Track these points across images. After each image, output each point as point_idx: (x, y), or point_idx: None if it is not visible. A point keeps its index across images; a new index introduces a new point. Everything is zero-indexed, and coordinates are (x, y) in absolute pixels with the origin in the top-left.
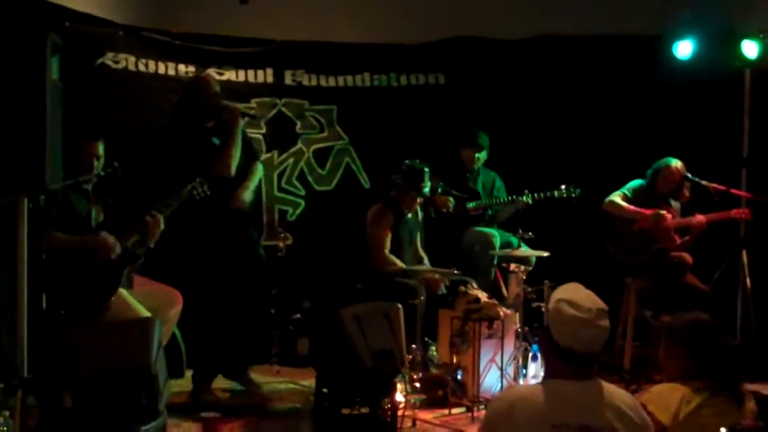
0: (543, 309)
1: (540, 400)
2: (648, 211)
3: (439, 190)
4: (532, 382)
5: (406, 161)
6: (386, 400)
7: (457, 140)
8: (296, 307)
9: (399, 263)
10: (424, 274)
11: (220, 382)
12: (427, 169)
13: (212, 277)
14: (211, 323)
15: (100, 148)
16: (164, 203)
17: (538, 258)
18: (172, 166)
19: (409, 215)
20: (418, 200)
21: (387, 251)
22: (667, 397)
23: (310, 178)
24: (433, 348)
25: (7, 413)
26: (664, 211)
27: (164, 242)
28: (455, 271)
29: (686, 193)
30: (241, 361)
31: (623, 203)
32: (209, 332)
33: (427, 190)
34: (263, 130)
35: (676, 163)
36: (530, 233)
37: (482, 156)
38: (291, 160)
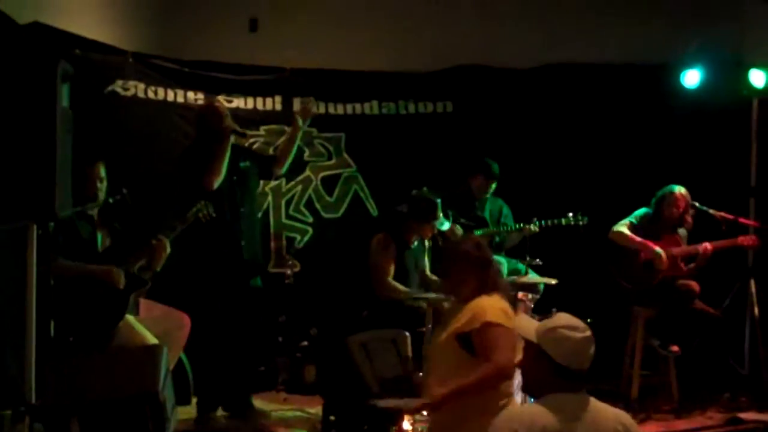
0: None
1: (547, 416)
2: (653, 245)
3: (449, 218)
4: None
5: (414, 191)
6: (394, 428)
7: (468, 168)
8: (303, 334)
9: (403, 288)
10: (429, 299)
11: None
12: (439, 201)
13: (209, 304)
14: (214, 350)
15: (102, 170)
16: (169, 226)
17: (546, 285)
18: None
19: (415, 243)
20: (434, 230)
21: (390, 278)
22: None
23: (317, 206)
24: None
25: None
26: (663, 253)
27: (170, 266)
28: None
29: (689, 219)
30: (242, 393)
31: (629, 233)
32: (212, 359)
33: (442, 224)
34: None
35: (679, 190)
36: (538, 260)
37: (494, 185)
38: (299, 188)
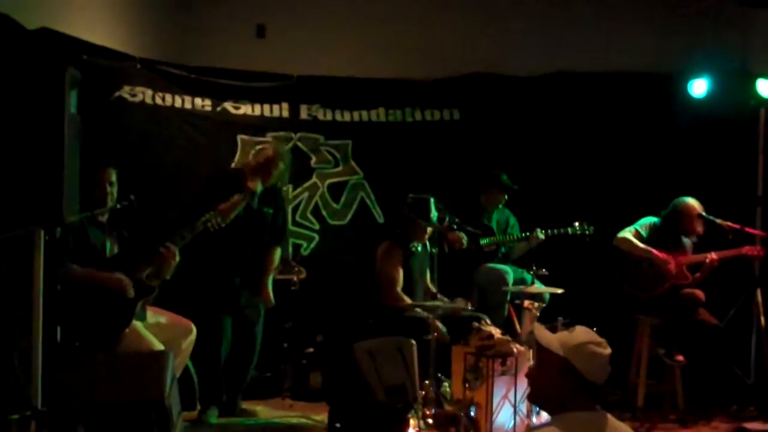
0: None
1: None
2: (660, 255)
3: (454, 226)
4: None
5: (411, 195)
6: None
7: (481, 180)
8: (309, 341)
9: (409, 301)
10: (436, 310)
11: None
12: (432, 198)
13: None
14: (215, 356)
15: (113, 175)
16: (178, 235)
17: (552, 295)
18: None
19: (419, 249)
20: (428, 230)
21: (399, 288)
22: None
23: (324, 213)
24: (446, 384)
25: None
26: (671, 261)
27: (178, 274)
28: (468, 307)
29: (699, 230)
30: (234, 394)
31: (635, 240)
32: (213, 364)
33: (435, 218)
34: None
35: (693, 202)
36: (544, 270)
37: (506, 197)
38: (305, 194)
